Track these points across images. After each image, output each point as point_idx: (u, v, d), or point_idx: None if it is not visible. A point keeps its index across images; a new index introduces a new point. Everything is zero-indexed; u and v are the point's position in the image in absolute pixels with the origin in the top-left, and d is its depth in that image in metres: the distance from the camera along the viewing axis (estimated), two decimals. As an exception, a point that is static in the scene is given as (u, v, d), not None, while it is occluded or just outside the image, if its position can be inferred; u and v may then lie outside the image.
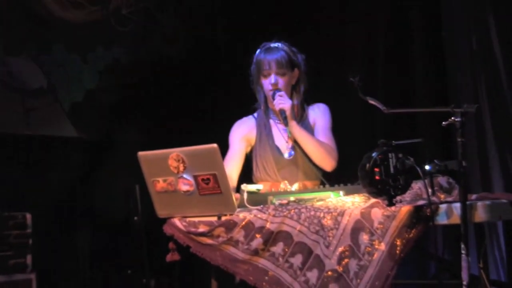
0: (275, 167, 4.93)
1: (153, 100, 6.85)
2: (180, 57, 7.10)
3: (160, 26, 7.24)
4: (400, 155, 3.72)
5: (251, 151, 5.05)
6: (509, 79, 6.15)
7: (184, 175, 4.14)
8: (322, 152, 4.83)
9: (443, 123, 3.68)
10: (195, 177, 4.12)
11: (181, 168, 4.13)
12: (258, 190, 4.39)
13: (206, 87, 6.98)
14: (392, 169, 3.71)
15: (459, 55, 6.52)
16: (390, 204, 3.73)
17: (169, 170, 4.15)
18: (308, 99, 5.02)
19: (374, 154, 3.72)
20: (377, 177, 3.68)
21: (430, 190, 3.71)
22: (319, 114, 4.99)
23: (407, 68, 6.74)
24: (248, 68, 5.05)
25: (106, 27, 6.88)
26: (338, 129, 4.99)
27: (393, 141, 3.76)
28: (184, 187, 4.16)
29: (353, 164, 3.91)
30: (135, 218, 6.48)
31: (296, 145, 4.87)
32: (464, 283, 3.56)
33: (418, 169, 3.67)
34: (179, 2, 7.39)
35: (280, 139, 4.96)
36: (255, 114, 5.09)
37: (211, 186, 4.11)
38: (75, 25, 6.65)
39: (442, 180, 3.86)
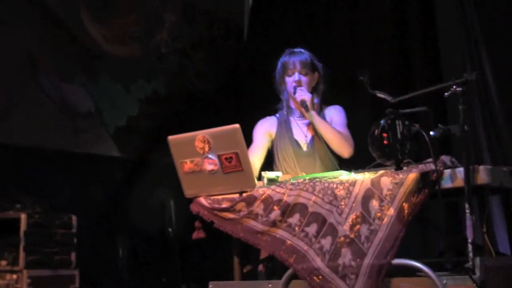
0: (294, 159, 4.56)
1: (186, 126, 6.60)
2: (210, 91, 6.92)
3: (194, 64, 7.05)
4: (407, 122, 3.45)
5: (272, 146, 4.68)
6: (504, 111, 5.75)
7: (209, 155, 3.80)
8: (340, 138, 4.47)
9: (445, 93, 3.37)
10: (219, 157, 3.78)
11: (206, 148, 3.79)
12: (277, 177, 4.02)
13: (231, 116, 6.74)
14: (399, 135, 3.44)
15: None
16: (398, 167, 3.41)
17: (196, 151, 3.81)
18: (325, 101, 4.71)
19: (382, 121, 3.47)
20: (385, 142, 3.43)
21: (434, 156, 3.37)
22: (335, 113, 4.65)
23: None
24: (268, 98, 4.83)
25: (147, 62, 6.71)
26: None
27: (399, 110, 3.45)
28: (209, 167, 3.81)
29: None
30: (170, 230, 6.23)
31: (315, 136, 4.54)
32: (469, 240, 3.20)
33: (424, 133, 3.36)
34: (211, 44, 7.22)
35: (300, 134, 4.62)
36: (277, 114, 4.75)
37: (233, 164, 3.77)
38: (120, 59, 6.50)
39: (445, 158, 3.48)
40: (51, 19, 5.97)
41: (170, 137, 3.92)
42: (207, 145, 3.79)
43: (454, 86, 3.32)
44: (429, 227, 5.39)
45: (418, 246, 5.58)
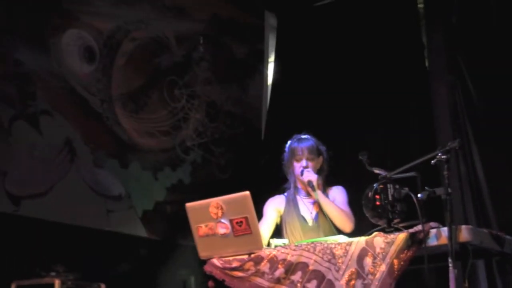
0: (301, 232, 4.61)
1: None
2: (231, 182, 7.01)
3: (215, 157, 7.17)
4: (397, 186, 3.50)
5: (281, 221, 4.73)
6: (487, 180, 5.80)
7: (222, 220, 3.86)
8: (342, 215, 4.52)
9: (432, 161, 3.44)
10: (230, 221, 3.84)
11: (220, 214, 3.86)
12: (284, 244, 4.07)
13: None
14: (390, 197, 3.49)
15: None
16: (389, 225, 3.45)
17: (210, 216, 3.88)
18: (329, 182, 4.76)
19: (375, 185, 3.58)
20: (377, 203, 3.52)
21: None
22: (337, 192, 4.71)
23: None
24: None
25: (173, 154, 6.80)
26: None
27: (391, 175, 3.52)
28: (222, 230, 3.87)
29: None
30: None
31: (319, 213, 4.60)
32: None
33: (412, 195, 3.43)
34: (232, 140, 7.35)
35: (305, 211, 4.68)
36: (286, 193, 4.81)
37: (243, 228, 3.82)
38: (149, 150, 6.61)
39: (434, 224, 3.52)
40: (89, 112, 6.14)
41: (188, 204, 3.99)
42: (220, 211, 3.85)
43: (439, 154, 3.41)
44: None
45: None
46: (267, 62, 7.83)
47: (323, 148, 4.78)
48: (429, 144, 5.88)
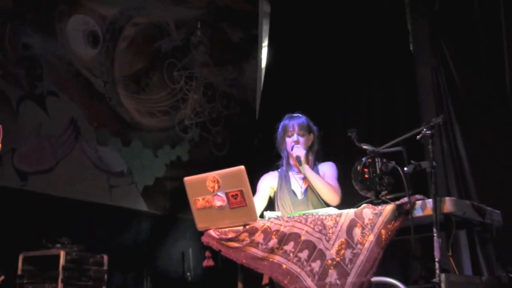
0: (291, 205, 4.53)
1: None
2: (226, 159, 6.96)
3: (212, 135, 7.14)
4: (384, 160, 3.43)
5: (274, 196, 4.66)
6: (468, 157, 5.77)
7: (218, 193, 3.79)
8: (329, 189, 4.43)
9: (417, 137, 3.37)
10: (226, 194, 3.77)
11: (216, 187, 3.79)
12: (277, 216, 3.99)
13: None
14: (378, 170, 3.42)
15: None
16: (377, 197, 3.39)
17: (207, 190, 3.81)
18: (319, 158, 4.68)
19: (363, 159, 3.49)
20: (366, 176, 3.45)
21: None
22: (327, 168, 4.61)
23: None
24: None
25: (172, 132, 6.77)
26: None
27: (379, 150, 3.45)
28: (218, 203, 3.80)
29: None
30: (188, 274, 6.19)
31: (308, 187, 4.52)
32: (436, 259, 3.18)
33: (399, 168, 3.36)
34: (228, 120, 7.32)
35: (296, 185, 4.59)
36: (279, 170, 4.74)
37: (238, 200, 3.76)
38: (150, 129, 6.58)
39: (419, 196, 3.46)
40: (93, 93, 6.11)
41: (186, 178, 3.93)
42: (216, 184, 3.79)
43: (424, 129, 3.34)
44: (409, 257, 5.41)
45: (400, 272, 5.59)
46: (261, 47, 7.77)
47: (314, 127, 4.69)
48: (414, 124, 5.83)
